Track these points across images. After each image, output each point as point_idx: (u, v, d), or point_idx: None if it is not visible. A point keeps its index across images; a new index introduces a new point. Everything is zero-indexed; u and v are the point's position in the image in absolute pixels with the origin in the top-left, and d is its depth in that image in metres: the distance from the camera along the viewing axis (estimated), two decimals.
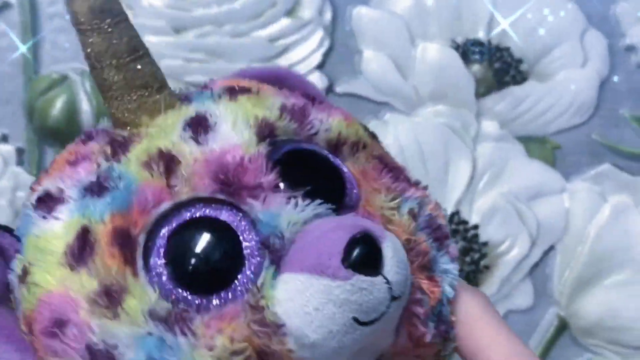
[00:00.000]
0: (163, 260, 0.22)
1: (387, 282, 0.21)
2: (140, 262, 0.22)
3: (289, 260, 0.22)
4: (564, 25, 0.45)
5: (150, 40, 0.42)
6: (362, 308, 0.21)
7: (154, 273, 0.22)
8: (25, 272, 0.23)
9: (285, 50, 0.44)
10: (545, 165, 0.46)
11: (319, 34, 0.44)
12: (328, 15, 0.45)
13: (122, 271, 0.22)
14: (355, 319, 0.21)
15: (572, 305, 0.46)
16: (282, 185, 0.23)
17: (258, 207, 0.22)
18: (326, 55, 0.45)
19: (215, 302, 0.22)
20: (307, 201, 0.23)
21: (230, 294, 0.22)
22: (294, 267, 0.21)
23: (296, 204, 0.22)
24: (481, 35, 0.46)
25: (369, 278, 0.21)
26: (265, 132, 0.24)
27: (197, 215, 0.22)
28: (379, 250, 0.21)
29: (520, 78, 0.45)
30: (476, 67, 0.45)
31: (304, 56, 0.44)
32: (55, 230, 0.23)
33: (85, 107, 0.44)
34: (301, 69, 0.44)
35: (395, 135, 0.44)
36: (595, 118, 0.45)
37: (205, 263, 0.22)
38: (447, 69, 0.45)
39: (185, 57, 0.44)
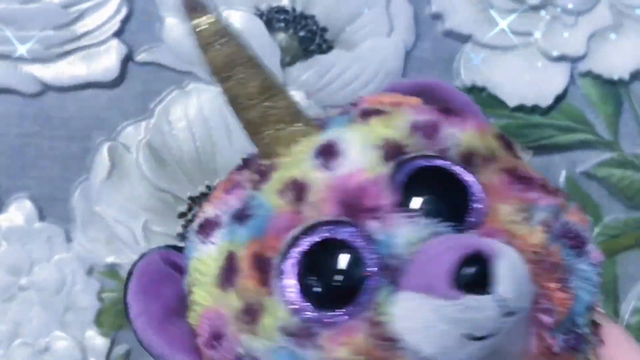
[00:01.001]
0: (293, 281, 0.24)
1: (499, 299, 0.22)
2: (274, 283, 0.24)
3: (406, 279, 0.23)
4: None
5: None
6: (472, 325, 0.22)
7: (285, 292, 0.24)
8: (189, 291, 0.26)
9: (80, 16, 0.42)
10: None
11: (116, 0, 0.43)
12: None
13: (259, 291, 0.24)
14: (468, 335, 0.23)
15: None
16: (401, 204, 0.24)
17: (377, 227, 0.24)
18: (125, 22, 0.43)
19: (338, 318, 0.24)
20: (426, 220, 0.24)
21: (352, 310, 0.24)
22: (409, 286, 0.23)
23: (414, 224, 0.24)
24: (285, 2, 0.45)
25: (477, 297, 0.22)
26: (393, 152, 0.25)
27: (321, 237, 0.24)
28: (490, 269, 0.22)
29: (325, 47, 0.45)
30: (281, 36, 0.45)
31: (100, 23, 0.43)
32: (211, 254, 0.26)
33: None
34: (98, 37, 0.42)
35: (199, 105, 0.44)
36: None
37: (330, 282, 0.25)
38: (252, 37, 0.42)
39: None
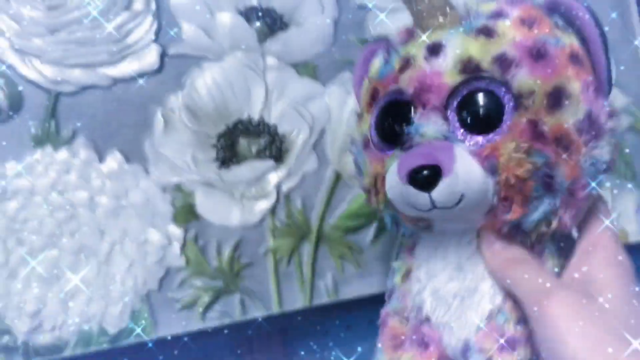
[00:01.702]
0: (377, 114, 0.34)
1: (431, 198, 0.29)
2: (372, 109, 0.34)
3: (403, 157, 0.30)
4: None
5: (35, 41, 0.54)
6: (410, 202, 0.30)
7: (372, 119, 0.34)
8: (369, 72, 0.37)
9: (128, 33, 0.54)
10: (310, 79, 0.56)
11: (149, 19, 0.55)
12: (153, 6, 0.56)
13: (366, 107, 0.35)
14: (410, 204, 0.31)
15: (341, 162, 0.57)
16: (446, 107, 0.30)
17: (418, 114, 0.31)
18: (157, 31, 0.55)
19: (382, 147, 0.33)
20: (447, 124, 0.30)
21: (387, 149, 0.33)
22: (399, 163, 0.30)
23: (437, 125, 0.30)
24: (254, 2, 0.57)
25: (416, 191, 0.29)
26: (469, 69, 0.30)
27: (392, 99, 0.33)
28: (437, 178, 0.29)
29: (284, 26, 0.56)
30: (256, 24, 0.55)
31: (142, 35, 0.55)
32: (377, 62, 0.36)
33: (0, 95, 0.54)
34: (142, 44, 0.55)
35: (212, 77, 0.55)
36: (335, 44, 0.57)
37: (388, 125, 0.33)
38: (237, 28, 0.56)
39: (63, 48, 0.54)
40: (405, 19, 0.54)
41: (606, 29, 0.32)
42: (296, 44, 0.57)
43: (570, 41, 0.32)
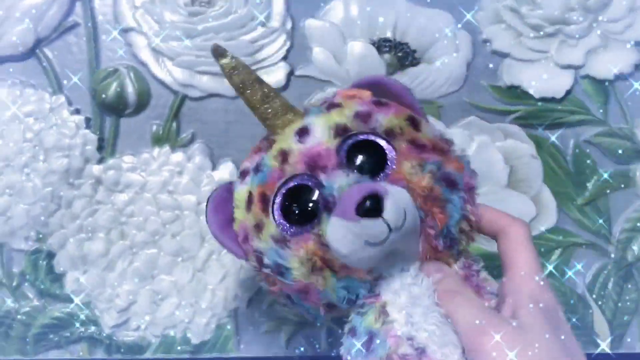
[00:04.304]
0: (278, 208, 0.34)
1: (384, 221, 0.30)
2: (270, 210, 0.34)
3: (334, 210, 0.31)
4: (442, 26, 0.56)
5: (172, 44, 0.56)
6: (369, 237, 0.30)
7: (275, 215, 0.34)
8: (234, 211, 0.36)
9: (261, 48, 0.56)
10: (433, 119, 0.55)
11: (283, 37, 0.56)
12: (289, 25, 0.56)
13: (262, 214, 0.34)
14: (367, 242, 0.31)
15: None
16: (342, 164, 0.32)
17: (324, 178, 0.33)
18: (288, 50, 0.56)
19: (301, 231, 0.33)
20: (354, 174, 0.32)
21: (308, 227, 0.32)
22: (335, 214, 0.31)
23: (345, 176, 0.32)
24: (389, 34, 0.56)
25: (371, 220, 0.30)
26: (340, 131, 0.34)
27: (294, 184, 0.33)
28: (381, 203, 0.30)
29: (415, 62, 0.56)
30: (386, 56, 0.56)
31: (274, 52, 0.56)
32: (242, 191, 0.36)
33: (130, 90, 0.55)
34: (272, 60, 0.56)
35: None
36: (464, 87, 0.56)
37: (296, 209, 0.33)
38: (367, 57, 0.56)
39: (195, 54, 0.55)
40: (540, 69, 0.55)
41: None
42: (425, 81, 0.56)
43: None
